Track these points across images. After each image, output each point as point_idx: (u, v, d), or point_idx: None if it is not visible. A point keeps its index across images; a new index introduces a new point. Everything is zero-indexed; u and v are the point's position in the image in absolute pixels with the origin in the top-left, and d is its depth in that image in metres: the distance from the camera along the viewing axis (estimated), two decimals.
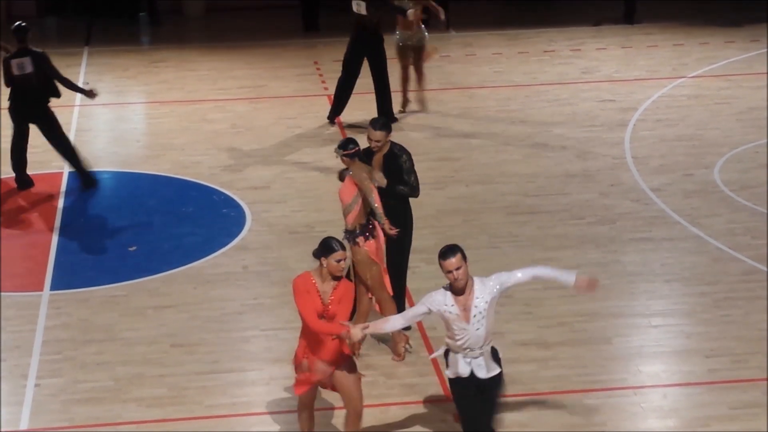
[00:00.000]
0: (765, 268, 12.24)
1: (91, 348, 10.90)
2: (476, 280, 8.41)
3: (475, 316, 8.36)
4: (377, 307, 10.55)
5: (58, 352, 10.81)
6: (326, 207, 13.51)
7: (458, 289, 8.34)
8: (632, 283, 12.05)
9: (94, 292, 11.96)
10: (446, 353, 8.65)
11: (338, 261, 8.63)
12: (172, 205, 14.15)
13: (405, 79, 16.67)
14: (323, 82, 17.93)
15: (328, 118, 16.56)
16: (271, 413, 9.94)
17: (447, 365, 8.65)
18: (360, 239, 10.28)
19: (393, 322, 8.71)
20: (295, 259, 12.53)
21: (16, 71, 13.97)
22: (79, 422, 9.79)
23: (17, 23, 14.26)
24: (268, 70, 18.98)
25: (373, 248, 10.33)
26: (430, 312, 8.47)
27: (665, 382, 10.37)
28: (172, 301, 11.77)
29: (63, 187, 14.47)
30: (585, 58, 19.40)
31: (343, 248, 8.69)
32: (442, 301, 8.39)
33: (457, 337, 8.45)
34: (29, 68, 13.98)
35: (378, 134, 10.47)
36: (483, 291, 8.38)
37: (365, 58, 16.15)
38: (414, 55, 16.46)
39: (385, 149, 10.58)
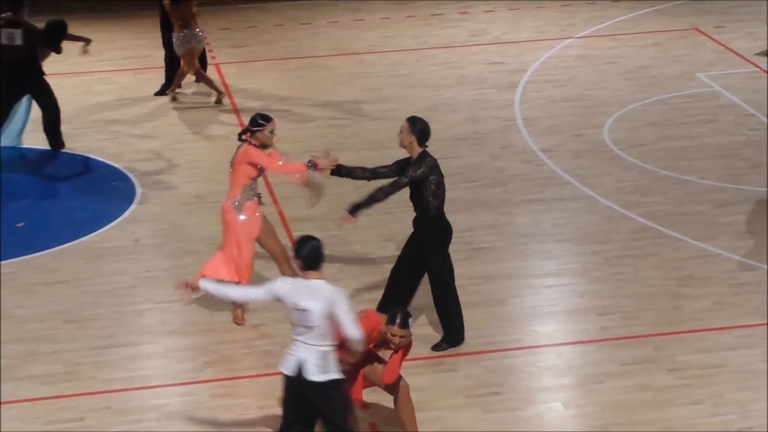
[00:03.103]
0: (655, 226, 12.41)
1: None
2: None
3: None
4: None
5: None
6: (217, 177, 13.38)
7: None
8: (525, 244, 12.14)
9: None
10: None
11: (393, 335, 8.55)
12: (60, 179, 13.92)
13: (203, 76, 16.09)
14: (210, 51, 17.71)
15: (158, 93, 16.29)
16: (167, 386, 9.85)
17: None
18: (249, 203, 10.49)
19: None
20: (188, 231, 12.41)
21: (4, 41, 13.61)
22: None
23: None
24: (152, 40, 18.64)
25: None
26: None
27: (559, 341, 10.48)
28: (62, 276, 11.59)
29: None
30: (473, 20, 19.44)
31: (406, 327, 8.55)
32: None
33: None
34: (18, 41, 13.68)
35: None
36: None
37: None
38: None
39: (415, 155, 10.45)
